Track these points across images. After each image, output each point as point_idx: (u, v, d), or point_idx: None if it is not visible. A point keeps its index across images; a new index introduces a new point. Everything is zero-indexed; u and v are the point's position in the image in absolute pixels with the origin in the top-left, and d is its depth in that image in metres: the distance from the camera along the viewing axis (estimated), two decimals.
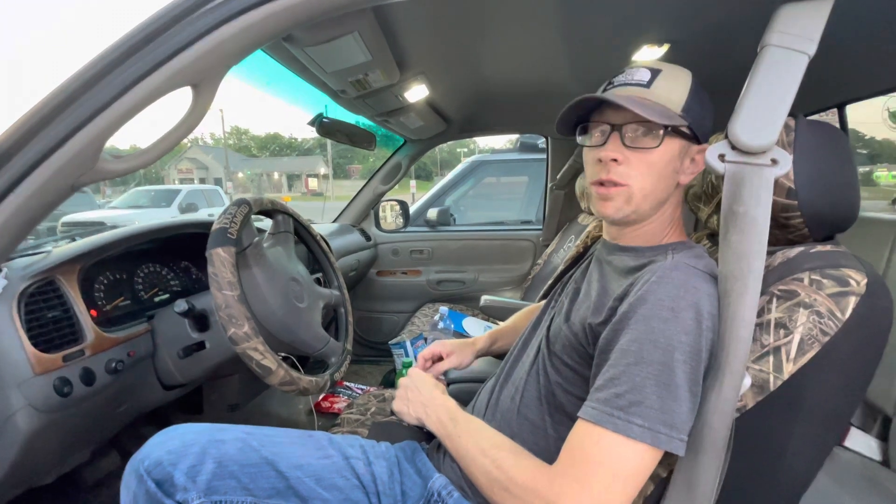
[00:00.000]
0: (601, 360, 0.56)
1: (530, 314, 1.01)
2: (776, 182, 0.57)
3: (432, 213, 2.41)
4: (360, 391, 1.65)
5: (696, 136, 0.61)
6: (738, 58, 1.17)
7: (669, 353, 0.50)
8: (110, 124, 0.59)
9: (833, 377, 0.54)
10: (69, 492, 1.04)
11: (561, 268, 1.55)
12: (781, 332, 0.55)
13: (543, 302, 1.03)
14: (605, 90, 0.64)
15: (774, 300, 0.57)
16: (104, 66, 0.57)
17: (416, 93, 1.32)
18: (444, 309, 1.66)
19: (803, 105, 1.35)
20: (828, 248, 0.59)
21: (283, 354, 0.81)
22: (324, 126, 1.31)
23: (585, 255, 0.84)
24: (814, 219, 0.59)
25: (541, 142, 3.04)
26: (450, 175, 3.16)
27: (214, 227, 0.75)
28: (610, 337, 0.55)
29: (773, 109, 0.53)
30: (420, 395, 0.74)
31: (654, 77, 0.61)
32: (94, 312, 0.80)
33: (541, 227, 2.26)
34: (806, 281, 0.56)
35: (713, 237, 0.79)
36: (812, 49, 0.52)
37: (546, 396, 0.66)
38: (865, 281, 0.54)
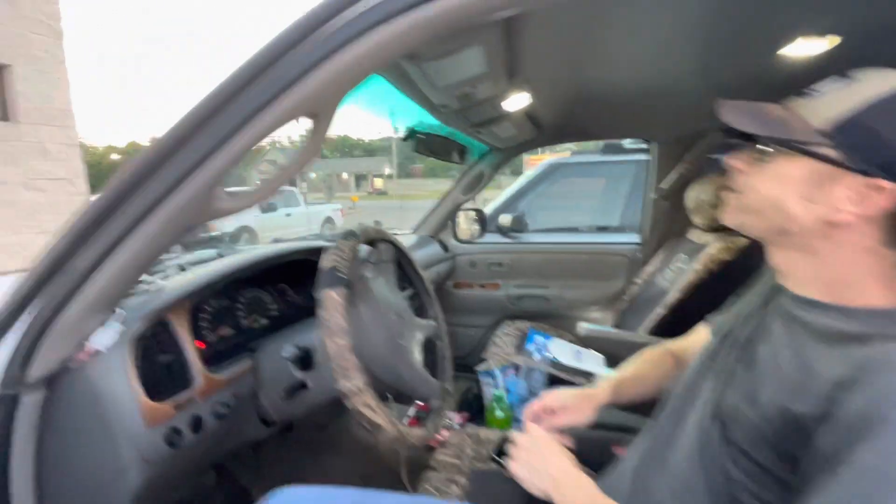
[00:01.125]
0: (822, 471, 0.42)
1: (659, 361, 0.86)
2: None
3: (505, 220, 2.27)
4: (447, 417, 1.57)
5: (860, 165, 0.47)
6: None
7: None
8: (228, 161, 0.53)
9: None
10: None
11: (677, 296, 1.36)
12: None
13: (674, 345, 0.88)
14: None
15: None
16: (222, 98, 0.52)
17: (518, 101, 1.20)
18: (535, 335, 1.52)
19: None
20: None
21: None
22: (418, 140, 1.23)
23: (756, 304, 0.66)
24: None
25: (628, 142, 2.80)
26: (522, 178, 3.01)
27: (325, 263, 0.69)
28: (839, 444, 0.41)
29: None
30: (547, 465, 0.63)
31: (830, 86, 0.50)
32: (200, 344, 0.77)
33: (630, 237, 2.04)
34: None
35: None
36: None
37: (724, 498, 0.52)
38: None
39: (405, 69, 0.79)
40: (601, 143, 3.01)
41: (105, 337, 0.59)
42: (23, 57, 4.99)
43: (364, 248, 0.90)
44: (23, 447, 0.55)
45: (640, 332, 1.47)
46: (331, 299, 0.64)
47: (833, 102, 0.49)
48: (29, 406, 0.55)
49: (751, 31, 0.92)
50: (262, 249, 0.96)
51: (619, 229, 2.69)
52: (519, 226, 2.28)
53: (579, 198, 3.23)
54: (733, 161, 0.57)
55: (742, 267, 1.34)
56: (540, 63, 0.99)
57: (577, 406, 0.77)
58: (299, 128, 0.58)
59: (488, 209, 2.64)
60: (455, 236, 2.13)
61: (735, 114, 0.53)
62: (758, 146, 0.54)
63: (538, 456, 0.64)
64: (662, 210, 1.86)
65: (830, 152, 0.47)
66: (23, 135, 5.05)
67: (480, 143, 1.86)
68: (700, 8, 0.83)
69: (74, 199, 5.59)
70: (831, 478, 0.41)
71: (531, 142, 1.87)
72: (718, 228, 1.48)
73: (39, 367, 0.55)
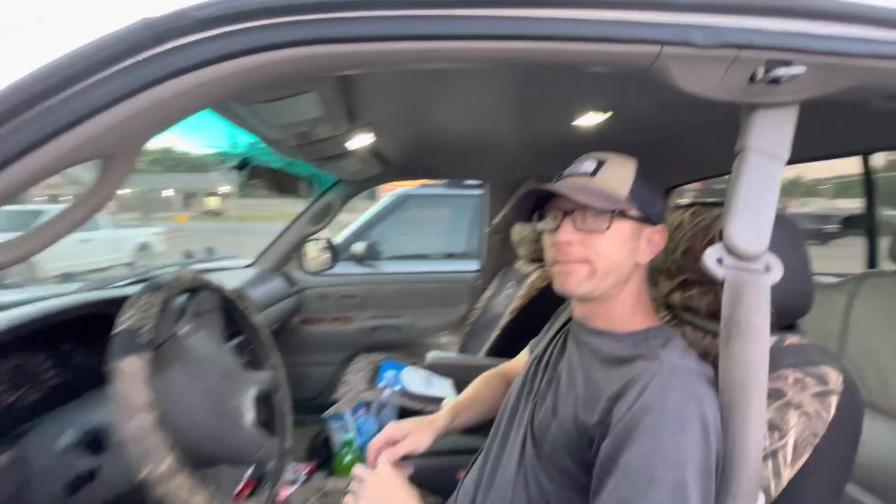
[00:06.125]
0: (604, 474, 0.52)
1: (490, 383, 0.94)
2: None
3: (359, 248, 2.30)
4: (290, 469, 1.43)
5: (649, 218, 0.63)
6: (676, 129, 1.26)
7: (682, 471, 0.48)
8: None
9: (822, 478, 0.55)
10: None
11: (506, 319, 1.52)
12: (776, 434, 0.55)
13: (503, 367, 0.98)
14: (556, 180, 0.67)
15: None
16: None
17: (361, 140, 1.23)
18: (388, 369, 1.52)
19: (828, 150, 1.32)
20: (801, 341, 0.61)
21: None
22: (253, 173, 1.14)
23: (559, 332, 0.79)
24: (781, 308, 0.62)
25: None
26: (374, 208, 3.06)
27: (119, 326, 0.58)
28: (612, 448, 0.52)
29: (761, 215, 0.54)
30: (392, 502, 0.63)
31: (600, 167, 0.64)
32: None
33: (471, 265, 2.24)
34: (790, 380, 0.57)
35: (670, 308, 0.80)
36: (786, 155, 0.54)
37: None
38: (841, 378, 0.57)
39: (233, 107, 0.73)
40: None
41: None
42: None
43: (178, 300, 0.78)
44: None
45: (481, 356, 1.60)
46: (125, 371, 0.54)
47: (615, 178, 0.63)
48: None
49: (556, 104, 1.15)
50: (36, 307, 0.75)
51: (464, 255, 2.92)
52: (372, 254, 2.31)
53: (427, 226, 3.43)
54: (564, 236, 0.61)
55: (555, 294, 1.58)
56: (380, 107, 1.04)
57: (416, 432, 0.79)
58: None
59: (340, 237, 2.59)
60: (302, 267, 2.01)
61: (578, 193, 0.59)
62: (592, 216, 0.60)
63: (384, 493, 0.64)
64: (495, 242, 2.09)
65: (636, 213, 0.62)
66: None
67: (323, 174, 1.83)
68: (515, 80, 1.00)
69: None
70: (610, 478, 0.50)
71: (378, 176, 1.92)
72: (539, 259, 1.72)
73: None
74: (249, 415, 0.78)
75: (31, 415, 0.72)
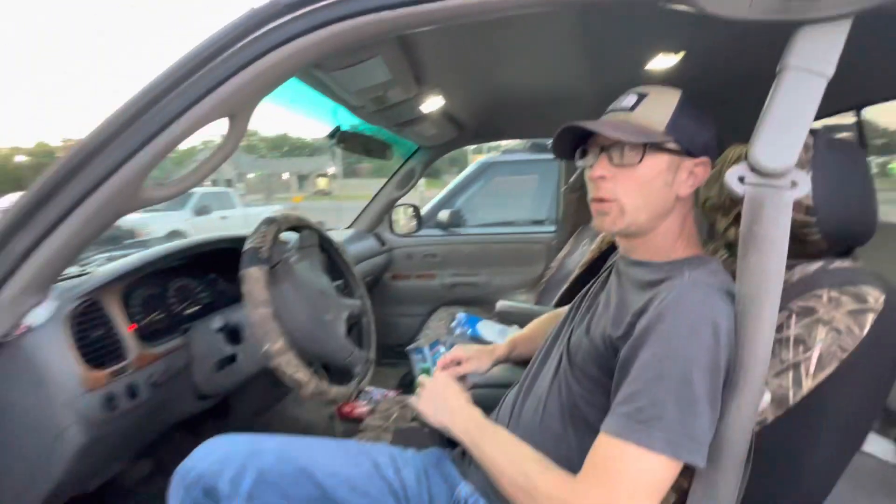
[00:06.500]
0: (622, 375, 0.58)
1: (549, 322, 1.02)
2: (796, 199, 0.59)
3: (443, 216, 2.43)
4: (379, 395, 1.68)
5: (690, 151, 0.64)
6: (752, 67, 1.18)
7: (688, 369, 0.52)
8: (153, 157, 0.62)
9: (852, 392, 0.56)
10: (107, 498, 1.09)
11: (576, 272, 1.57)
12: (801, 348, 0.57)
13: (561, 309, 1.05)
14: (601, 117, 0.68)
15: (794, 317, 0.58)
16: (148, 100, 0.61)
17: (432, 103, 1.35)
18: (461, 315, 1.69)
19: (820, 108, 1.32)
20: (846, 264, 0.60)
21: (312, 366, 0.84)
22: (343, 139, 1.34)
23: (605, 266, 0.85)
24: (832, 235, 0.61)
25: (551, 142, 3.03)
26: (459, 177, 3.17)
27: (246, 246, 0.79)
28: (630, 352, 0.58)
29: (792, 132, 0.53)
30: (446, 402, 0.75)
31: (640, 101, 0.65)
32: (133, 326, 0.84)
33: (552, 228, 2.26)
34: (825, 298, 0.57)
35: (731, 247, 0.80)
36: (830, 70, 0.53)
37: (569, 409, 0.68)
38: (883, 298, 0.56)
39: (319, 76, 0.90)
40: (530, 142, 3.22)
41: (39, 314, 0.66)
42: None
43: (290, 235, 1.00)
44: None
45: (550, 307, 1.67)
46: (251, 275, 0.74)
47: (653, 111, 0.64)
48: None
49: (624, 49, 1.13)
50: (187, 240, 1.03)
51: (551, 222, 2.91)
52: (456, 221, 2.45)
53: (513, 193, 3.43)
54: (597, 171, 0.63)
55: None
56: (445, 69, 1.14)
57: (478, 357, 0.92)
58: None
59: (428, 207, 2.76)
60: (392, 230, 2.25)
61: (608, 128, 0.61)
62: (627, 151, 0.62)
63: (440, 395, 0.76)
64: (572, 201, 2.09)
65: (674, 146, 0.63)
66: None
67: (409, 142, 1.99)
68: (583, 26, 1.01)
69: None
70: (625, 379, 0.57)
71: (455, 140, 2.03)
72: None
73: None
74: (342, 328, 0.98)
75: (193, 319, 0.99)
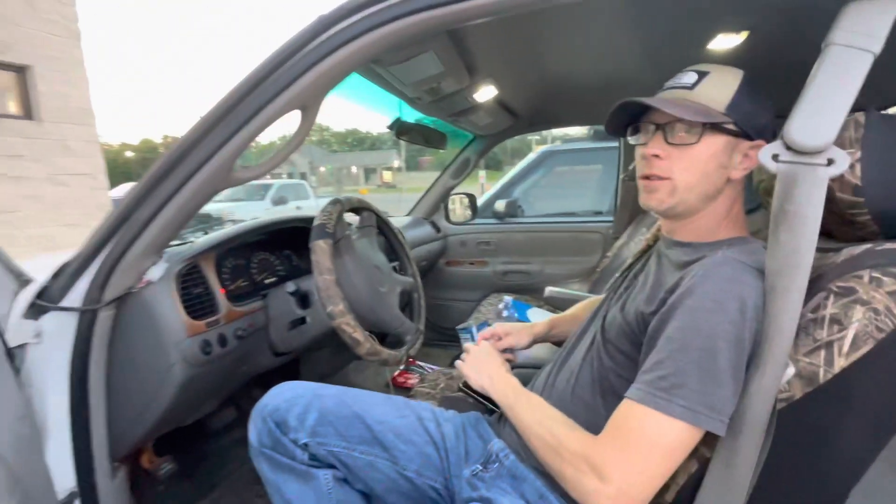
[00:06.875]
0: (649, 347, 0.61)
1: (591, 305, 1.05)
2: (842, 179, 0.58)
3: (500, 205, 2.45)
4: (430, 370, 1.79)
5: (747, 133, 0.63)
6: (814, 52, 1.10)
7: (712, 340, 0.54)
8: (241, 143, 0.75)
9: (886, 373, 0.55)
10: (200, 435, 1.29)
11: (630, 261, 1.55)
12: (836, 327, 0.56)
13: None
14: (656, 94, 0.68)
15: (832, 297, 0.57)
16: (236, 98, 0.73)
17: (485, 93, 1.40)
18: (508, 298, 1.74)
19: (878, 99, 1.19)
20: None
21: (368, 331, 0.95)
22: (401, 129, 1.44)
23: (651, 249, 0.87)
24: (882, 216, 0.59)
25: None
26: (518, 166, 3.17)
27: (315, 223, 0.91)
28: (657, 325, 0.60)
29: (833, 109, 0.52)
30: (488, 367, 0.82)
31: (701, 79, 0.64)
32: (223, 290, 1.00)
33: (611, 218, 2.22)
34: (866, 278, 0.56)
35: None
36: (877, 47, 0.51)
37: (599, 381, 0.71)
38: None
39: (377, 71, 1.00)
40: (593, 130, 3.13)
41: (156, 271, 0.82)
42: (42, 58, 5.22)
43: (352, 217, 1.12)
44: (99, 349, 0.77)
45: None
46: (319, 247, 0.86)
47: (714, 90, 0.64)
48: (104, 319, 0.77)
49: (682, 29, 1.10)
50: (267, 218, 1.19)
51: (612, 212, 2.83)
52: (513, 210, 2.47)
53: (574, 183, 3.34)
54: (652, 150, 0.63)
55: None
56: (495, 59, 1.18)
57: (517, 333, 0.98)
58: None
59: (485, 195, 2.80)
60: (448, 219, 2.34)
61: (670, 105, 0.60)
62: (684, 129, 0.61)
63: (482, 360, 0.84)
64: (630, 189, 2.04)
65: (733, 127, 0.62)
66: (46, 133, 5.31)
67: (465, 132, 2.06)
68: (637, 8, 1.01)
69: (96, 193, 5.86)
70: (653, 350, 0.60)
71: (510, 129, 2.06)
72: None
73: (111, 291, 0.77)
74: (395, 301, 1.08)
75: (271, 287, 1.15)
